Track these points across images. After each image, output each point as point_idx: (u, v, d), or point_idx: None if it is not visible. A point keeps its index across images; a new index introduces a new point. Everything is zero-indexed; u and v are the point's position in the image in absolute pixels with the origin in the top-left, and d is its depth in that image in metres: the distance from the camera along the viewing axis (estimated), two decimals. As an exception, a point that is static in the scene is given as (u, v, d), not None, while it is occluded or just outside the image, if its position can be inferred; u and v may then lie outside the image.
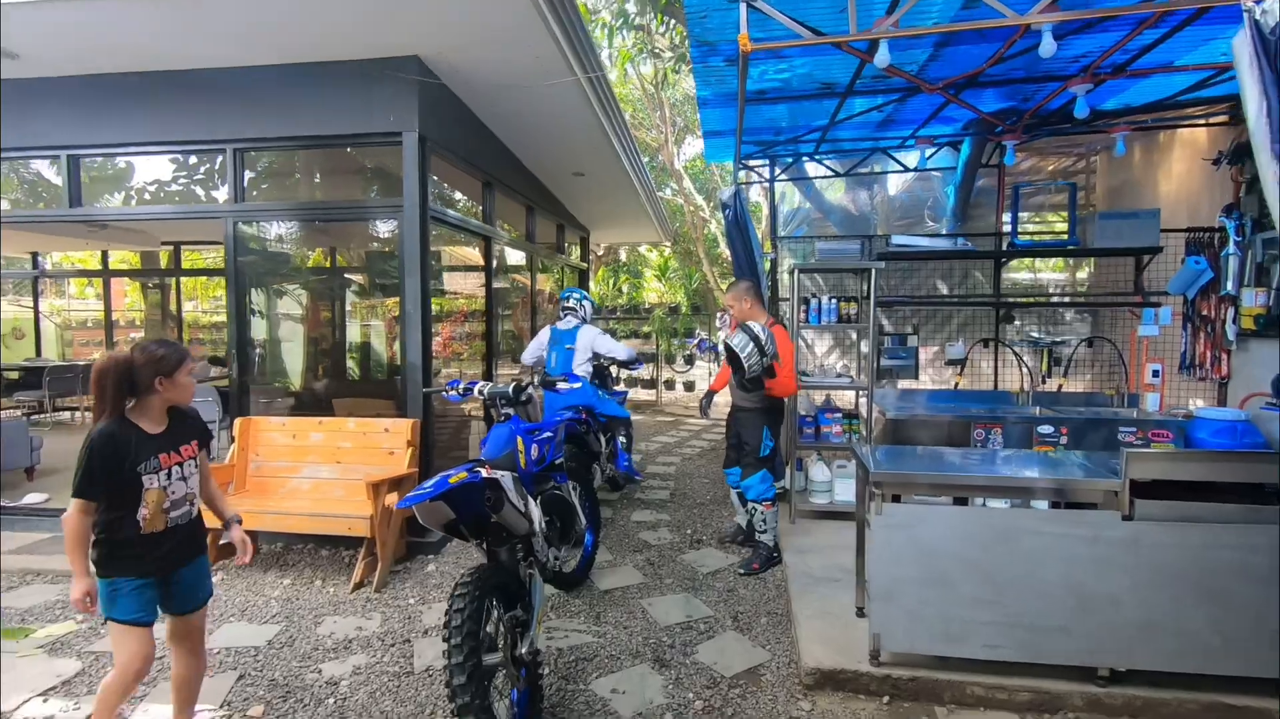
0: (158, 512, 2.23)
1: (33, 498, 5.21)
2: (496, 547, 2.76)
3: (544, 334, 5.22)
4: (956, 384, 5.06)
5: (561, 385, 3.25)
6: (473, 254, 7.54)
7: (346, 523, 3.78)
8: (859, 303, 4.85)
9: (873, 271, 4.53)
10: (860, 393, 5.19)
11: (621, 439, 5.09)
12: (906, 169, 5.13)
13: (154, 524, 2.22)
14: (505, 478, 2.64)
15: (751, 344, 3.82)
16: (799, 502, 4.78)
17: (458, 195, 5.84)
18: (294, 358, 7.36)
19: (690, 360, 11.05)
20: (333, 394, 5.32)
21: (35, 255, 10.34)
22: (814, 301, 4.76)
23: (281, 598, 3.72)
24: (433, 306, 4.51)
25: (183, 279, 10.54)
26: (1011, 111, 4.79)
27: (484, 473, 2.54)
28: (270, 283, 7.14)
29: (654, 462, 7.13)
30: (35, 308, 10.78)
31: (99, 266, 10.55)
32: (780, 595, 3.72)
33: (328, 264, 8.87)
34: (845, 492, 4.75)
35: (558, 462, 3.48)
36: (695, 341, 5.37)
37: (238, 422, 4.37)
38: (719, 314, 4.62)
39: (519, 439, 3.13)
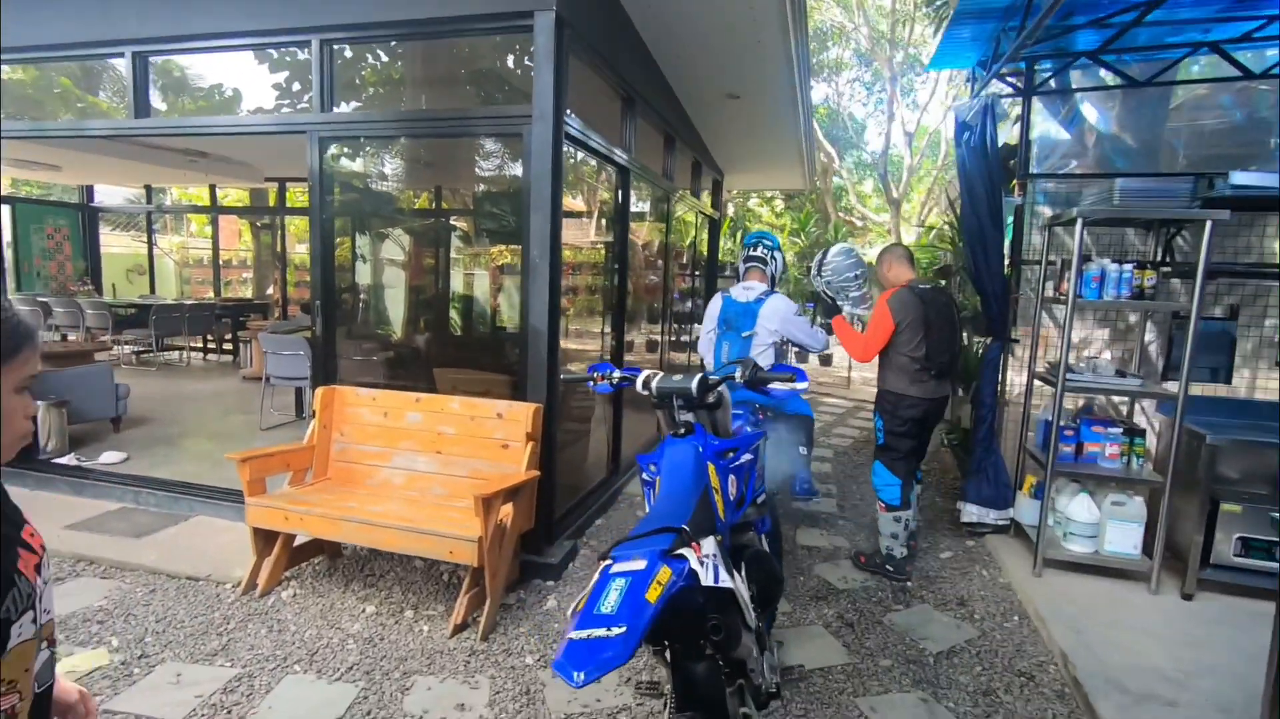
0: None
1: (109, 456, 4.61)
2: (689, 660, 1.65)
3: (714, 306, 3.95)
4: (1295, 395, 3.50)
5: (779, 386, 2.06)
6: (594, 196, 6.40)
7: (447, 545, 2.79)
8: (1157, 270, 3.35)
9: (1208, 227, 3.02)
10: (1147, 401, 3.71)
11: (801, 448, 3.76)
12: (1248, 75, 3.49)
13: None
14: (715, 560, 1.50)
15: (819, 258, 3.61)
16: (1047, 546, 3.43)
17: (591, 116, 4.67)
18: (390, 313, 6.54)
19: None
20: (434, 360, 4.35)
21: (148, 189, 10.11)
22: (1093, 268, 3.30)
23: (362, 635, 2.80)
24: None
25: (288, 218, 10.04)
26: None
27: (693, 561, 1.40)
28: (365, 223, 6.32)
29: (801, 454, 5.89)
30: (150, 243, 10.64)
31: (209, 203, 10.22)
32: (1072, 716, 2.44)
33: (431, 206, 8.02)
34: (1122, 540, 3.35)
35: (759, 500, 2.32)
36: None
37: (319, 391, 3.46)
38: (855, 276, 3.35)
39: (710, 468, 1.99)
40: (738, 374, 2.12)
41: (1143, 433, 3.43)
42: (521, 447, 3.19)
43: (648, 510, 2.14)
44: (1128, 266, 3.28)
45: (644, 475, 2.20)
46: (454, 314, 7.53)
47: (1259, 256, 3.62)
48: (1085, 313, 3.91)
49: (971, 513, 3.91)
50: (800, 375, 2.09)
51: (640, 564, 1.33)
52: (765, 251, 3.75)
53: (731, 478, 2.06)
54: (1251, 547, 3.18)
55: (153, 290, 10.42)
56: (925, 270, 7.37)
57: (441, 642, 2.78)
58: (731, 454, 2.13)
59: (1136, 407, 3.79)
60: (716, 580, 1.37)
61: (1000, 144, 3.62)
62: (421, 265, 7.73)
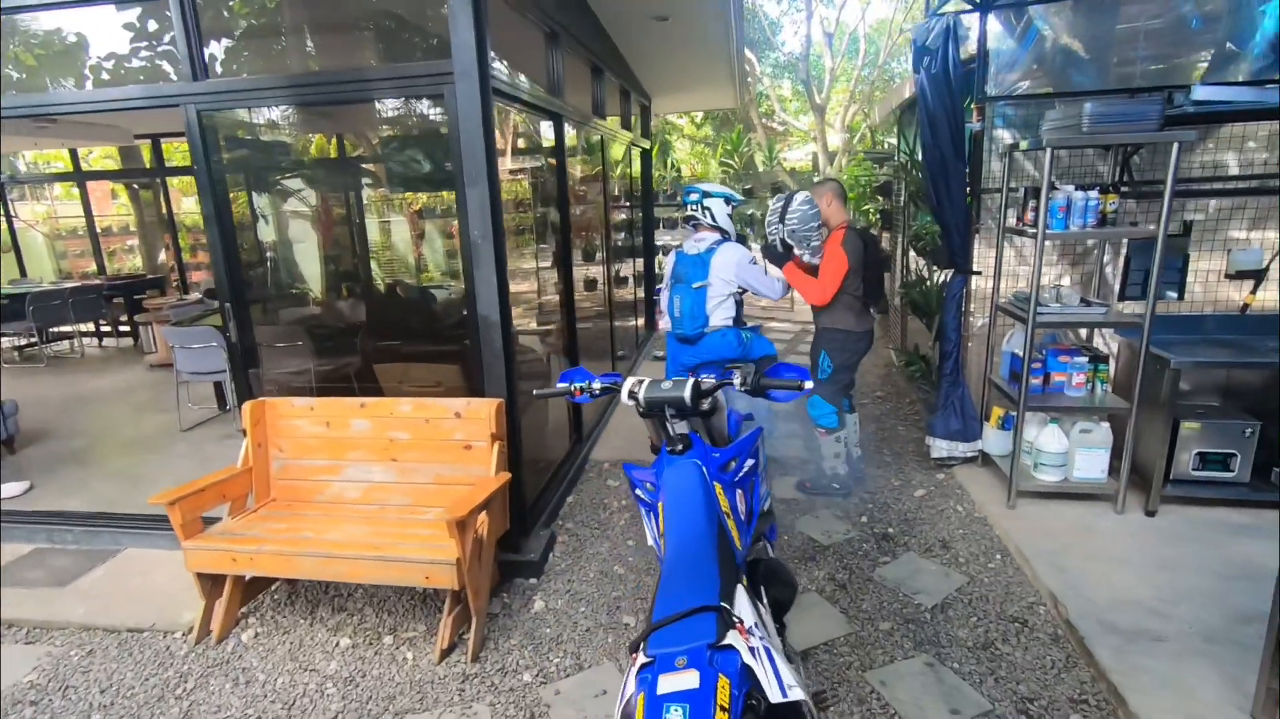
0: None
1: (9, 489, 4.09)
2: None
3: (668, 262, 3.73)
4: (1246, 306, 3.58)
5: (786, 386, 1.86)
6: (521, 140, 5.91)
7: (422, 571, 2.56)
8: (1118, 194, 3.28)
9: (1174, 148, 2.93)
10: (1111, 330, 3.71)
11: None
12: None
13: None
14: (763, 643, 1.33)
15: (781, 206, 3.43)
16: (1018, 477, 3.48)
17: (514, 58, 4.15)
18: (308, 280, 5.97)
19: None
20: (373, 355, 3.95)
21: (-5, 156, 8.78)
22: (1059, 197, 3.19)
23: (340, 675, 2.59)
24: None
25: (170, 177, 8.95)
26: None
27: (743, 652, 1.23)
28: (261, 185, 5.64)
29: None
30: (7, 217, 9.33)
31: (71, 167, 8.97)
32: (1072, 664, 2.50)
33: (336, 155, 7.25)
34: (1090, 467, 3.43)
35: (767, 507, 2.17)
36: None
37: (246, 408, 3.07)
38: (773, 196, 3.24)
39: (718, 489, 1.81)
40: (737, 380, 1.91)
41: (1106, 359, 3.46)
42: (487, 447, 2.94)
43: (649, 539, 1.96)
44: (1093, 194, 3.19)
45: (638, 493, 2.01)
46: (377, 271, 6.96)
47: (1213, 170, 3.60)
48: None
49: (941, 448, 3.94)
50: (804, 375, 1.91)
51: (691, 679, 1.15)
52: (694, 208, 3.51)
53: (739, 493, 1.89)
54: (1208, 460, 3.30)
55: (23, 273, 9.25)
56: (865, 189, 7.25)
57: (429, 669, 2.60)
58: (734, 464, 1.95)
59: (1096, 331, 3.82)
60: (782, 689, 1.20)
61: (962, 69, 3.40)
62: (332, 222, 7.06)
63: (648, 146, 7.64)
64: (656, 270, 8.14)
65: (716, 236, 3.51)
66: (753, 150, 13.17)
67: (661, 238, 9.22)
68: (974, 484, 3.82)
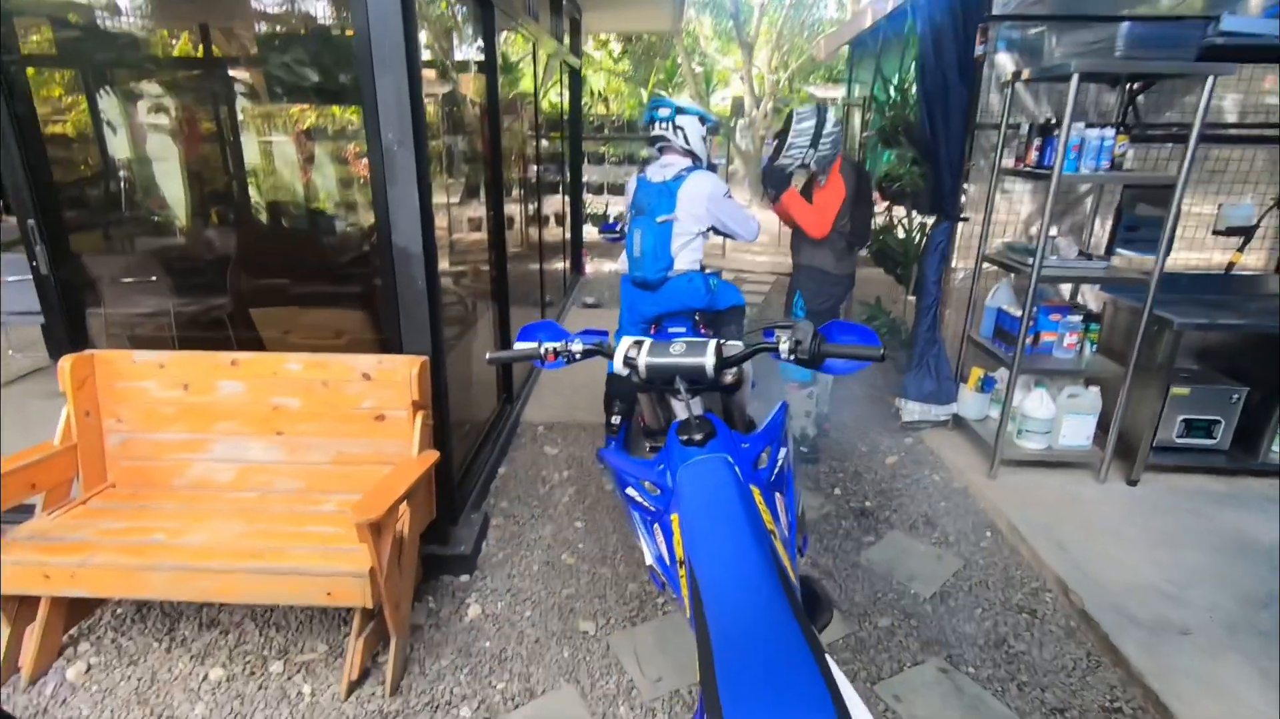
0: None
1: None
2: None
3: (628, 191, 3.12)
4: (1232, 264, 3.40)
5: (859, 355, 1.33)
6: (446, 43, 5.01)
7: (321, 585, 1.93)
8: (1129, 135, 2.95)
9: (1209, 83, 2.60)
10: (1095, 286, 3.44)
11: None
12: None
13: None
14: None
15: (813, 125, 2.93)
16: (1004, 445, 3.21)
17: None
18: (163, 203, 4.89)
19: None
20: (250, 297, 3.10)
21: None
22: (1070, 135, 2.81)
23: (210, 722, 1.95)
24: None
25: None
26: None
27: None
28: (117, 90, 4.57)
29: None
30: None
31: None
32: (1095, 664, 2.23)
33: (200, 53, 5.98)
34: (1076, 433, 3.19)
35: (800, 513, 1.68)
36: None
37: (65, 363, 2.26)
38: (796, 115, 2.74)
39: (755, 494, 1.30)
40: (784, 347, 1.37)
41: (1099, 318, 3.20)
42: (406, 418, 2.29)
43: (648, 557, 1.42)
44: (1108, 133, 2.83)
45: (631, 494, 1.47)
46: (256, 198, 5.87)
47: (1214, 116, 3.35)
48: (1040, 185, 3.51)
49: (913, 410, 3.63)
50: (874, 339, 1.40)
51: None
52: (663, 126, 2.91)
53: (779, 498, 1.39)
54: (1193, 427, 3.13)
55: None
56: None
57: (334, 708, 2.00)
58: (767, 456, 1.44)
59: (1082, 288, 3.56)
60: None
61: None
62: (199, 136, 5.86)
63: (579, 66, 6.81)
64: (586, 210, 7.45)
65: (686, 163, 2.93)
66: (685, 82, 12.45)
67: (588, 174, 8.49)
68: (947, 450, 3.53)
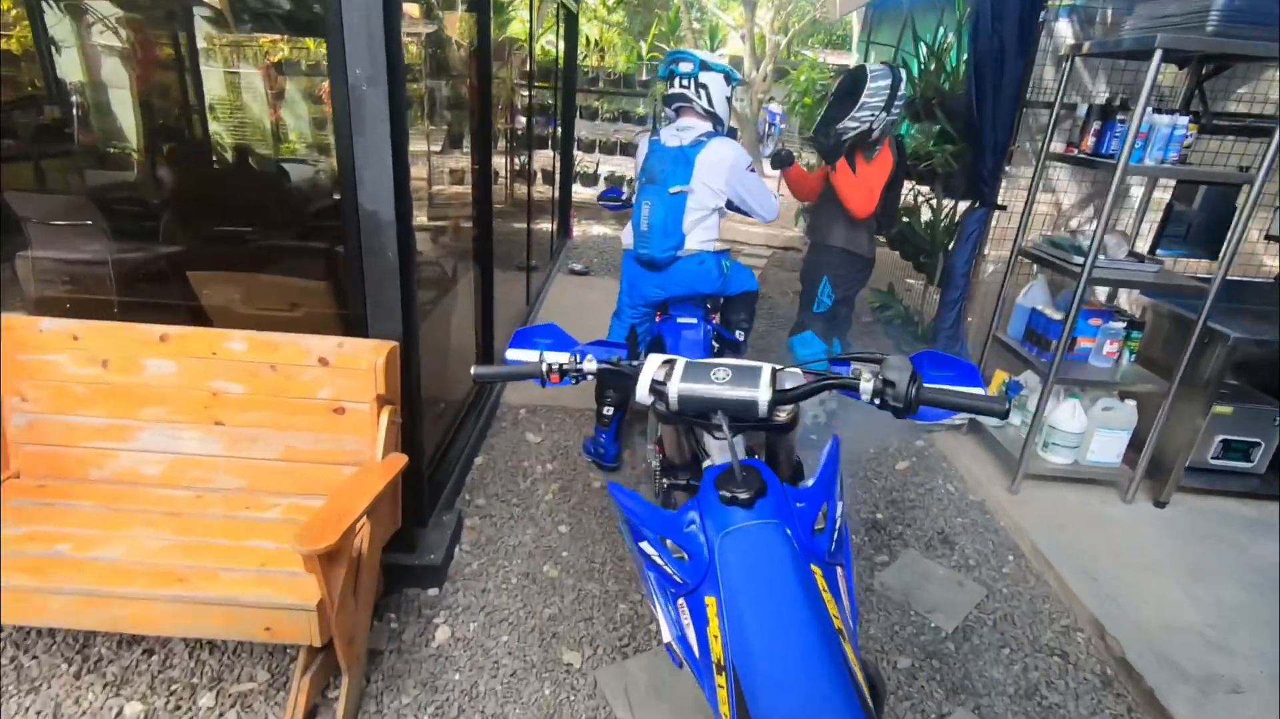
0: None
1: None
2: None
3: (639, 154, 2.74)
4: (1283, 274, 3.14)
5: (972, 407, 1.02)
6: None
7: (260, 619, 1.61)
8: (1200, 125, 2.64)
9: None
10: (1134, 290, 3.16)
11: (739, 332, 2.85)
12: None
13: None
14: None
15: (887, 86, 2.59)
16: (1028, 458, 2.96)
17: None
18: (121, 144, 4.37)
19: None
20: (188, 253, 2.64)
21: None
22: (1141, 119, 2.49)
23: (122, 773, 1.63)
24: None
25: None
26: None
27: None
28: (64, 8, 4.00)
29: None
30: None
31: None
32: (1134, 715, 2.00)
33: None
34: (1106, 450, 2.94)
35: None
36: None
37: (-45, 330, 1.86)
38: (869, 73, 2.35)
39: (817, 574, 0.99)
40: (866, 387, 1.05)
41: (1142, 325, 2.92)
42: (369, 413, 1.95)
43: (665, 633, 1.12)
44: (1181, 121, 2.51)
45: (648, 550, 1.16)
46: (223, 137, 5.31)
47: (1262, 107, 3.04)
48: (1091, 174, 3.19)
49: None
50: (974, 377, 1.09)
51: None
52: (685, 83, 2.53)
53: (840, 577, 1.09)
54: (1230, 448, 2.91)
55: None
56: (821, 97, 6.38)
57: (272, 755, 1.70)
58: (824, 518, 1.14)
59: (1120, 291, 3.29)
60: None
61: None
62: (155, 63, 5.26)
63: (575, 9, 6.28)
64: (576, 168, 6.99)
65: (707, 127, 2.56)
66: (686, 37, 11.83)
67: (579, 130, 7.99)
68: (962, 457, 3.28)
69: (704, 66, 2.48)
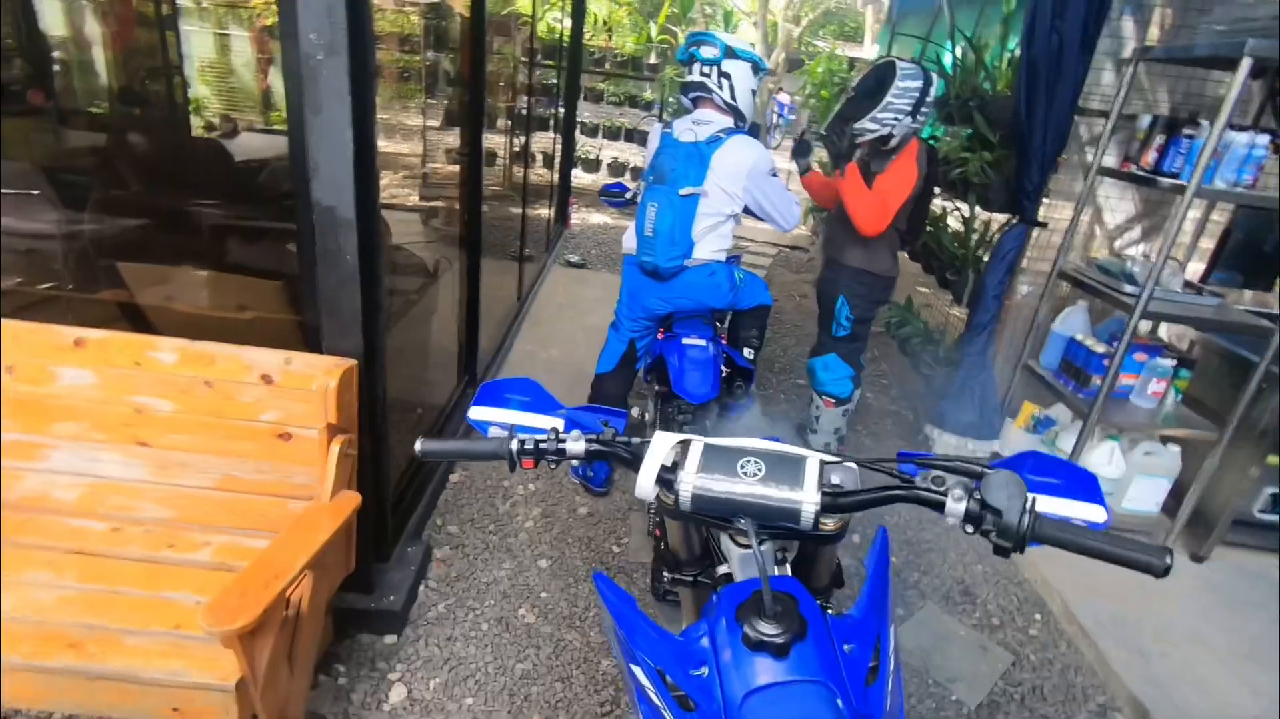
0: None
1: None
2: None
3: (650, 143, 2.44)
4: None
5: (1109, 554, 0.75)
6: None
7: (166, 698, 1.33)
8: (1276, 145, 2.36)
9: None
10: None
11: (748, 350, 2.57)
12: None
13: None
14: None
15: (919, 86, 2.30)
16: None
17: None
18: (86, 102, 4.01)
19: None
20: (116, 244, 2.28)
21: None
22: (1200, 138, 2.21)
23: None
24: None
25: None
26: None
27: None
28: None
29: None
30: None
31: None
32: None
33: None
34: (1145, 498, 2.69)
35: None
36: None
37: None
38: (897, 69, 2.03)
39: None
40: (955, 503, 0.77)
41: (1192, 363, 2.66)
42: (318, 441, 1.66)
43: None
44: (1261, 139, 2.23)
45: (652, 694, 0.88)
46: (211, 101, 4.93)
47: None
48: (1149, 193, 2.90)
49: (948, 443, 3.09)
50: (1095, 492, 0.82)
51: None
52: (707, 70, 2.22)
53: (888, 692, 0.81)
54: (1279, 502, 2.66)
55: None
56: (839, 90, 6.05)
57: None
58: (878, 661, 0.86)
59: (1164, 325, 3.01)
60: None
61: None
62: (132, 19, 4.87)
63: (583, -13, 5.92)
64: (578, 153, 6.65)
65: (728, 122, 2.26)
66: (698, 20, 11.43)
67: (582, 113, 7.63)
68: (983, 494, 3.02)
69: (729, 53, 2.17)
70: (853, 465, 0.88)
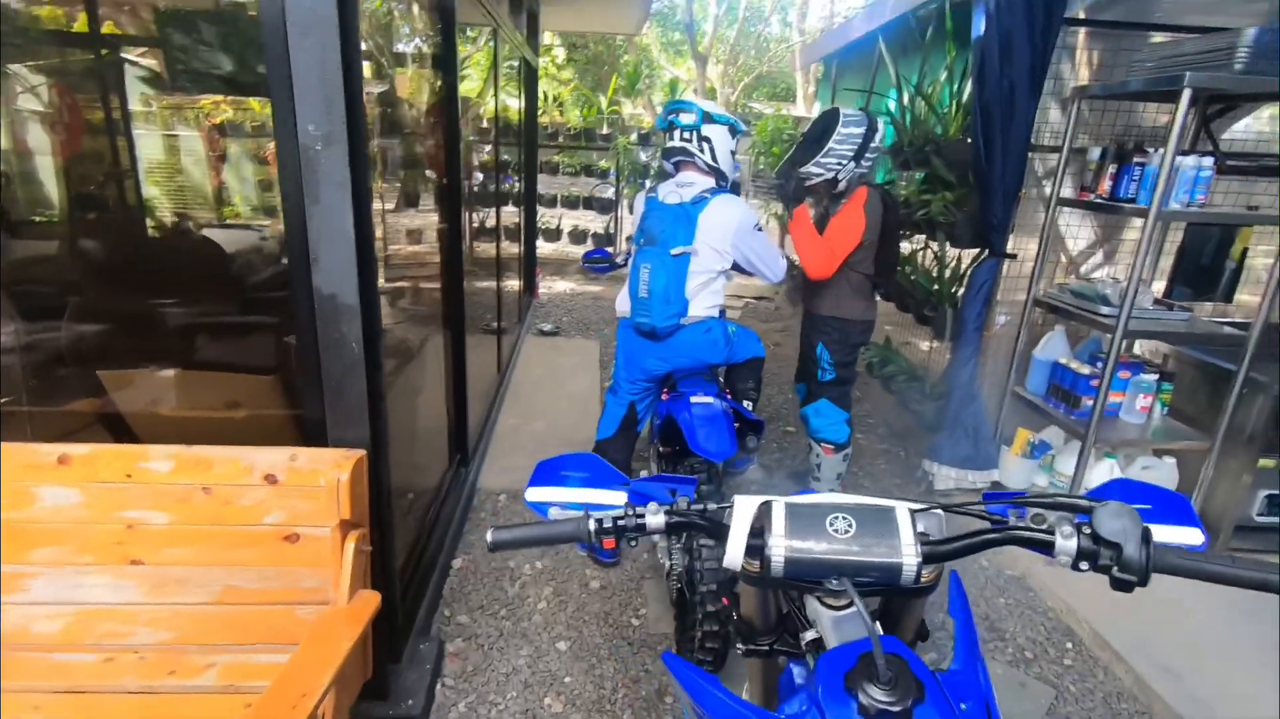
0: None
1: None
2: None
3: (637, 212, 2.47)
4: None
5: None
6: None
7: None
8: (1216, 166, 2.51)
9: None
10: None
11: (746, 402, 2.56)
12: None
13: None
14: None
15: (862, 132, 2.41)
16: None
17: None
18: (40, 213, 3.91)
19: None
20: (95, 345, 2.19)
21: None
22: (1152, 164, 2.35)
23: None
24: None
25: None
26: None
27: None
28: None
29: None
30: None
31: None
32: None
33: (89, 29, 4.97)
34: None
35: None
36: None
37: None
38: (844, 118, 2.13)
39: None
40: (1065, 541, 0.75)
41: (1172, 377, 2.74)
42: (330, 540, 1.56)
43: None
44: (1206, 162, 2.38)
45: None
46: (163, 203, 4.86)
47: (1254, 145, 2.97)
48: (1108, 219, 3.05)
49: (947, 477, 3.10)
50: (1189, 514, 0.81)
51: None
52: (686, 136, 2.30)
53: None
54: (1275, 503, 2.71)
55: None
56: (788, 145, 6.33)
57: None
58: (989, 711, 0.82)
59: (1130, 344, 3.12)
60: None
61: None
62: (81, 128, 4.83)
63: (536, 65, 6.12)
64: (540, 224, 6.73)
65: (710, 183, 2.32)
66: (644, 90, 11.90)
67: (540, 186, 7.77)
68: (990, 525, 3.01)
69: (707, 118, 2.24)
70: (939, 512, 0.86)
